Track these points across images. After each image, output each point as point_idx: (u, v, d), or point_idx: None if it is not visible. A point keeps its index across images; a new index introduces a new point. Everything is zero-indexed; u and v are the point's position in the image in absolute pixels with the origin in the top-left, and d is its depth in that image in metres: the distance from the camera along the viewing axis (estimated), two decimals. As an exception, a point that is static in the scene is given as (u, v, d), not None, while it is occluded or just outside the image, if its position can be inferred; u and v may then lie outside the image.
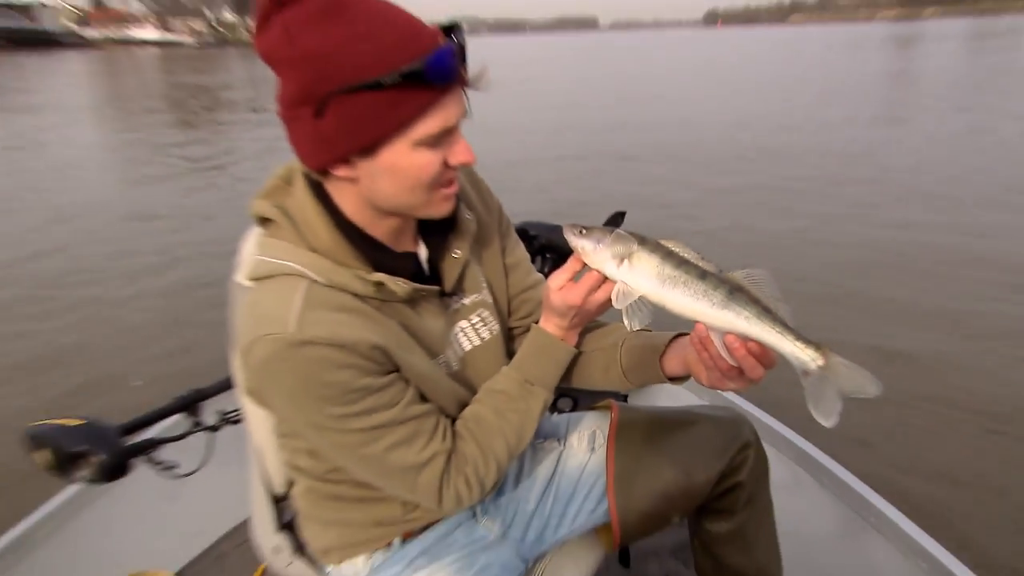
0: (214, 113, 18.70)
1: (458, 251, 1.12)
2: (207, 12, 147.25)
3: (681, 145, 11.34)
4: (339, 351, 0.91)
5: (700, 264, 0.93)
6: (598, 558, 1.33)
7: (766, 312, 0.89)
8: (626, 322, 0.96)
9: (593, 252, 0.96)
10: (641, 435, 1.30)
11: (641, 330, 1.04)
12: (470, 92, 0.96)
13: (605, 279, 0.98)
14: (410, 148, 0.90)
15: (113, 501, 1.86)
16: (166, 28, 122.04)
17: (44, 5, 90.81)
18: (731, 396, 1.98)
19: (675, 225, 6.79)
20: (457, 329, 1.13)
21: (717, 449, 1.27)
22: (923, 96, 17.39)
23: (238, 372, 1.09)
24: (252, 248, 1.06)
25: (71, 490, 1.78)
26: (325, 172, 0.95)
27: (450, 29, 0.92)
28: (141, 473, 1.44)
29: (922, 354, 4.13)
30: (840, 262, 5.78)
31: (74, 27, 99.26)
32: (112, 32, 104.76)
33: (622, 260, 0.95)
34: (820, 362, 0.88)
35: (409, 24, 0.89)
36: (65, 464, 1.33)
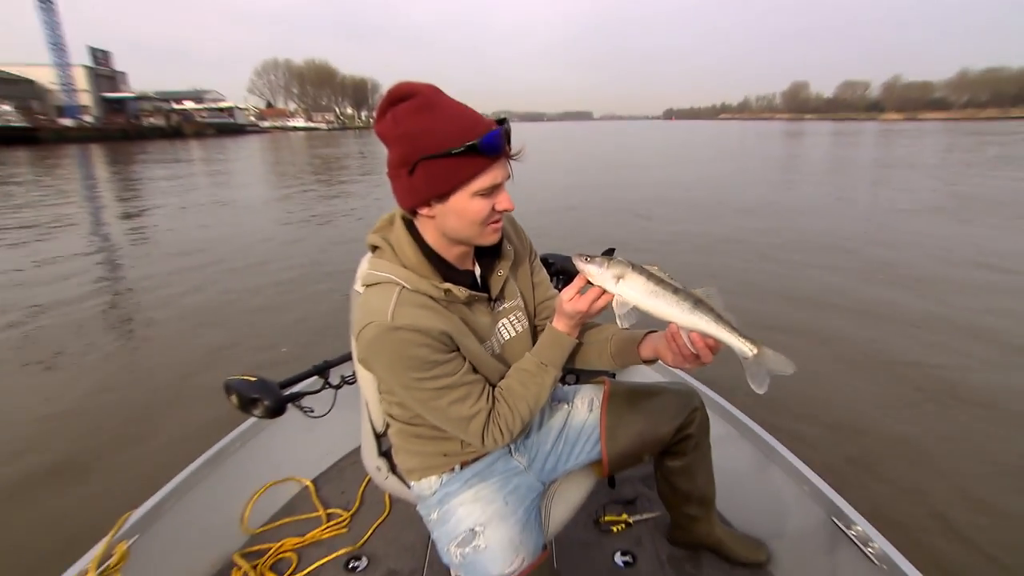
0: (336, 174, 19.04)
1: (501, 271, 1.13)
2: (336, 108, 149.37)
3: (651, 199, 11.40)
4: (419, 334, 0.94)
5: (672, 283, 0.92)
6: (593, 483, 1.33)
7: (719, 317, 0.90)
8: (619, 323, 0.94)
9: (597, 273, 0.94)
10: (625, 401, 1.30)
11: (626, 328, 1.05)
12: (513, 162, 1.00)
13: (603, 292, 0.96)
14: (469, 197, 0.94)
15: (274, 431, 1.90)
16: (310, 119, 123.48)
17: (239, 108, 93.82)
18: (686, 376, 1.95)
19: (651, 249, 6.90)
20: (500, 325, 1.13)
21: (676, 411, 1.28)
22: (802, 171, 18.12)
23: (354, 348, 1.10)
24: (365, 266, 1.10)
25: (250, 421, 1.82)
26: (414, 212, 0.99)
27: (501, 121, 0.94)
28: (291, 413, 1.46)
29: (819, 332, 4.14)
30: (760, 271, 5.94)
31: (254, 120, 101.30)
32: (277, 122, 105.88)
33: (618, 279, 0.93)
34: (755, 351, 0.90)
35: (472, 116, 0.93)
36: (246, 405, 1.40)
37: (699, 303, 0.90)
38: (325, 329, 4.45)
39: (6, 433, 2.97)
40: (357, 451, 2.05)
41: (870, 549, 1.24)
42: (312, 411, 1.51)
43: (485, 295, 1.09)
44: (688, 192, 12.54)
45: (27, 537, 2.23)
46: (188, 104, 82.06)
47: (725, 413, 1.78)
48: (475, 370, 1.04)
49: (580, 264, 0.95)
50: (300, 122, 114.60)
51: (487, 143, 0.89)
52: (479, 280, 1.10)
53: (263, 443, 1.85)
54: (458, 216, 0.95)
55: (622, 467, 1.28)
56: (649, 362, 1.11)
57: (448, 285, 1.00)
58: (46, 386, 3.56)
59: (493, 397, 1.05)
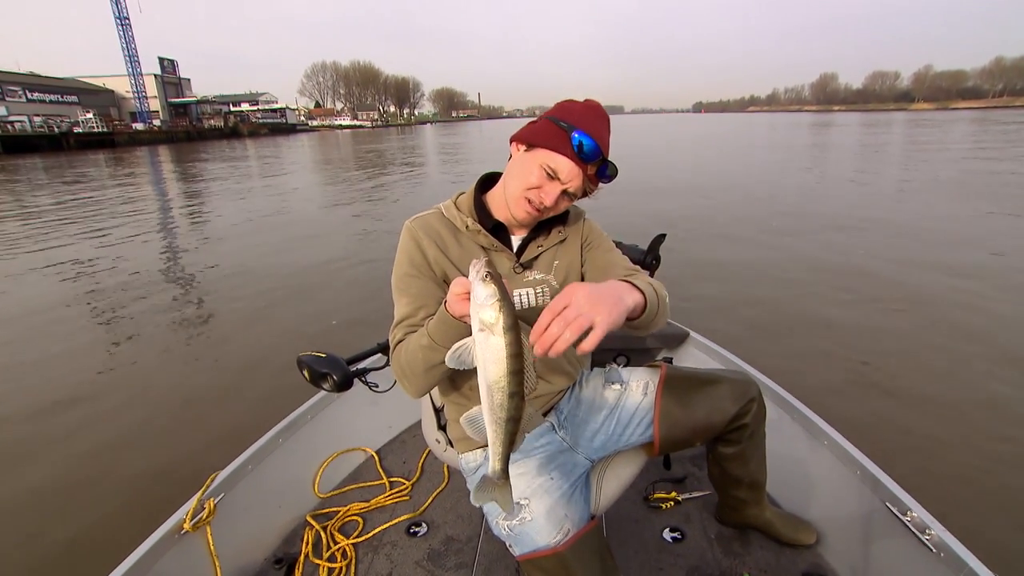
0: (379, 165, 19.55)
1: (542, 244, 1.13)
2: (380, 106, 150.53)
3: (682, 182, 11.64)
4: (415, 235, 1.06)
5: (514, 381, 0.70)
6: (644, 460, 1.27)
7: (509, 437, 0.75)
8: (449, 360, 0.75)
9: (473, 302, 0.72)
10: (681, 387, 1.23)
11: None
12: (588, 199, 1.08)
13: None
14: (538, 163, 0.99)
15: (341, 403, 1.91)
16: (355, 117, 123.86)
17: (291, 108, 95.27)
18: (744, 364, 1.90)
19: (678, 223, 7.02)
20: (522, 290, 1.10)
21: (732, 401, 1.21)
22: (828, 156, 18.15)
23: None
24: None
25: (320, 394, 1.83)
26: (512, 143, 1.06)
27: (606, 161, 1.01)
28: (358, 388, 1.49)
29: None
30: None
31: (304, 119, 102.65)
32: (325, 121, 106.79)
33: (483, 329, 0.70)
34: (500, 479, 0.79)
35: (595, 130, 0.98)
36: (316, 379, 1.39)
37: (510, 421, 0.73)
38: (365, 300, 4.68)
39: (106, 401, 3.17)
40: (417, 425, 2.09)
41: (927, 536, 1.15)
42: (377, 386, 1.52)
43: (508, 250, 1.10)
44: (722, 177, 12.17)
45: (132, 488, 2.40)
46: (244, 106, 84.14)
47: (777, 397, 1.70)
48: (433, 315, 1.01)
49: (474, 275, 0.72)
50: (346, 120, 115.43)
51: (580, 139, 0.96)
52: (517, 243, 1.12)
53: (332, 415, 1.86)
54: (520, 168, 1.02)
55: (672, 450, 1.23)
56: None
57: (470, 221, 1.07)
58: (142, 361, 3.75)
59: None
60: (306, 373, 1.38)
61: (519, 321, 0.71)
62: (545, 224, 1.12)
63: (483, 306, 0.69)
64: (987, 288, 4.49)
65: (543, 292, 1.11)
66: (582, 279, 1.16)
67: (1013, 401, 2.75)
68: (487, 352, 0.70)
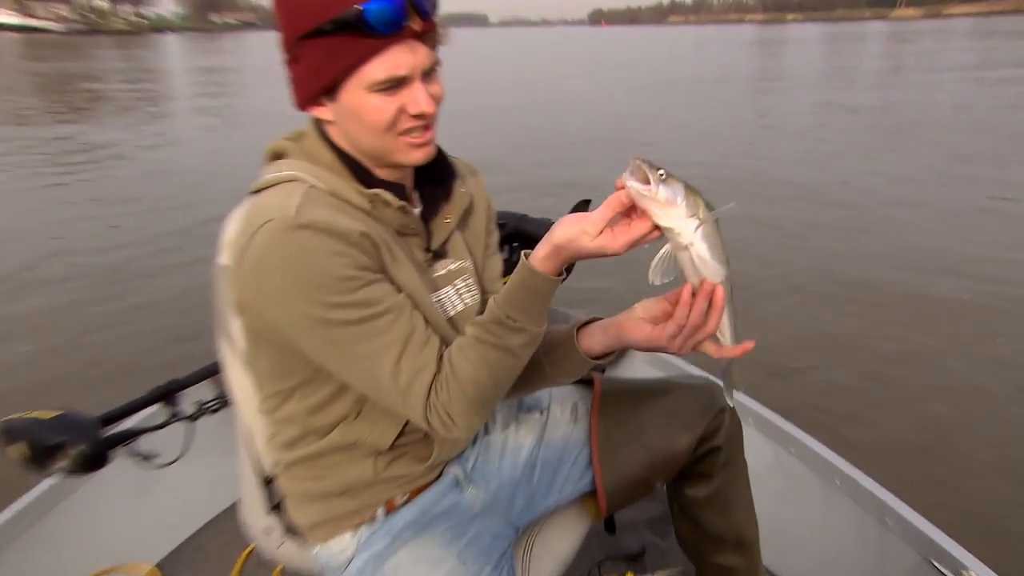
0: (92, 105, 18.32)
1: (448, 218, 1.16)
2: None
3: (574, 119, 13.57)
4: (333, 238, 0.94)
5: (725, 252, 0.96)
6: (586, 526, 1.38)
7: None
8: (652, 276, 0.94)
9: (669, 204, 0.88)
10: (624, 404, 1.33)
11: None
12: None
13: (653, 230, 0.90)
14: (364, 92, 0.95)
15: (91, 493, 1.85)
16: (26, 13, 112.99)
17: None
18: (702, 372, 2.02)
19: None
20: (443, 294, 1.13)
21: (696, 414, 1.31)
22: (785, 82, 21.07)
23: (231, 292, 1.03)
24: (242, 208, 1.08)
25: (47, 483, 1.74)
26: (311, 113, 1.05)
27: None
28: (120, 464, 1.48)
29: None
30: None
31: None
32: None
33: (700, 226, 0.90)
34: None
35: None
36: (42, 457, 1.34)
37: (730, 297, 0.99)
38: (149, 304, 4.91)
39: None
40: (227, 513, 2.05)
41: None
42: (154, 457, 1.49)
43: (422, 230, 1.11)
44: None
45: None
46: None
47: (760, 420, 1.87)
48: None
49: (634, 183, 0.87)
50: (6, 17, 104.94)
51: (369, 15, 0.89)
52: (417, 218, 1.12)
53: (73, 515, 1.81)
54: (356, 119, 0.99)
55: (625, 501, 1.32)
56: (599, 358, 1.14)
57: (377, 190, 1.03)
58: None
59: (442, 358, 1.01)
60: (22, 448, 1.32)
61: None
62: (440, 184, 1.16)
63: (694, 207, 0.89)
64: None
65: (466, 286, 1.17)
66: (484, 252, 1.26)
67: None
68: (717, 247, 0.93)
